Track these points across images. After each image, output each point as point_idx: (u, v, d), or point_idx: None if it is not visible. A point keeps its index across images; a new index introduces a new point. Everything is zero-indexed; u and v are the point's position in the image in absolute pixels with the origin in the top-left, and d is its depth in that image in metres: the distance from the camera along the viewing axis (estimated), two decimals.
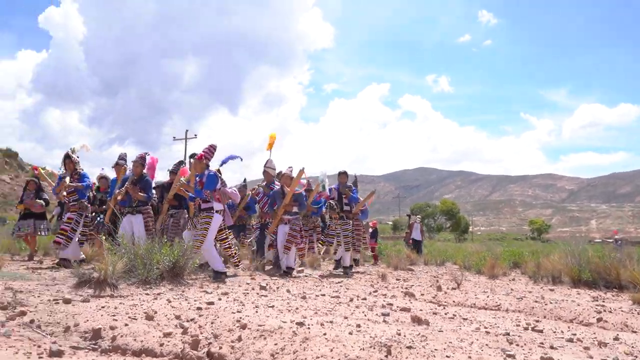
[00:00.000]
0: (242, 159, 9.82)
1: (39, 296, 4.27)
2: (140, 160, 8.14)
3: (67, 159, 8.33)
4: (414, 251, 16.52)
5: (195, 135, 39.18)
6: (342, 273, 8.87)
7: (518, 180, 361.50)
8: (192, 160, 7.40)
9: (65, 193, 8.24)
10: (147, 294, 4.66)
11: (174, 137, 39.44)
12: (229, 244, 7.58)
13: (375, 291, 6.20)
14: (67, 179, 8.17)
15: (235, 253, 7.82)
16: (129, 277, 5.18)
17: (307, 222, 10.76)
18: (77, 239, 8.21)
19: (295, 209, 8.21)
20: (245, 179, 11.28)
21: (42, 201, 9.72)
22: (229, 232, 7.82)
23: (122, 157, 9.21)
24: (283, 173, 8.63)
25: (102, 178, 10.16)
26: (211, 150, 7.34)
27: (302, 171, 8.16)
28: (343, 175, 9.48)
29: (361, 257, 10.21)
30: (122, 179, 8.33)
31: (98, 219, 9.65)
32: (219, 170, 9.66)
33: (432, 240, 44.81)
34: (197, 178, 7.12)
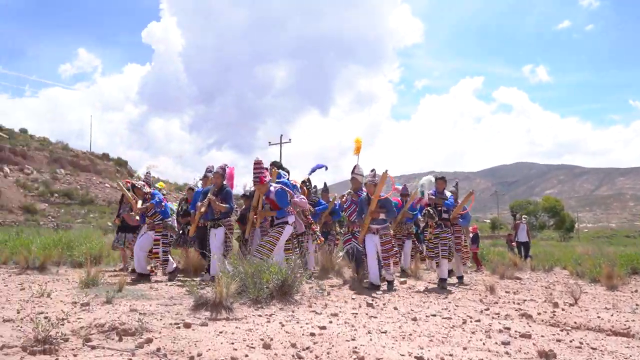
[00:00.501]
0: (327, 168, 9.77)
1: (160, 319, 4.47)
2: (221, 171, 8.02)
3: (135, 188, 8.35)
4: (517, 255, 15.77)
5: (290, 139, 40.02)
6: (446, 287, 8.25)
7: (629, 172, 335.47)
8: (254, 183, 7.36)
9: (148, 215, 8.19)
10: (260, 316, 4.75)
11: (270, 142, 40.55)
12: (291, 256, 7.22)
13: (487, 309, 5.93)
14: (139, 203, 8.17)
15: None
16: (241, 297, 5.30)
17: (401, 229, 10.45)
18: (145, 255, 8.18)
19: (382, 216, 7.68)
20: (325, 184, 11.20)
21: (137, 216, 9.56)
22: (296, 243, 7.81)
23: (210, 170, 9.26)
24: (366, 181, 8.28)
25: (189, 189, 10.19)
26: (261, 166, 7.32)
27: (385, 174, 7.68)
28: (440, 181, 8.96)
29: (462, 267, 9.52)
30: (202, 192, 8.35)
31: (183, 231, 9.63)
32: (308, 180, 9.68)
33: (534, 240, 42.77)
34: (264, 197, 7.09)
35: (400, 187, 10.55)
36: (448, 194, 8.84)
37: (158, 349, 3.53)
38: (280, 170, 8.59)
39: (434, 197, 8.78)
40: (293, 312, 5.06)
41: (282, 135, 39.77)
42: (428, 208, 8.71)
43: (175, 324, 4.28)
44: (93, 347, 3.54)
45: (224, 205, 7.75)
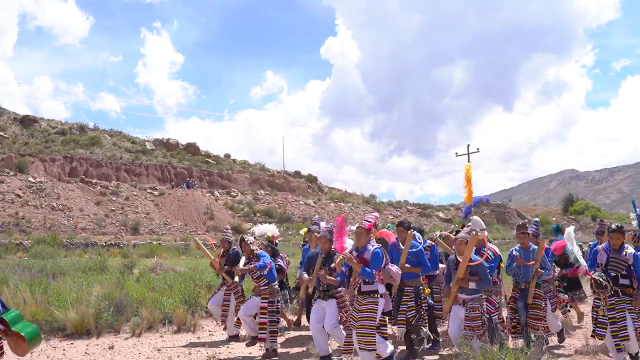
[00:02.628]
0: (489, 200, 8.48)
1: None
2: (328, 235, 6.72)
3: (242, 242, 7.71)
4: None
5: (478, 149, 38.71)
6: None
7: None
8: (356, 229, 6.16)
9: (252, 277, 7.51)
10: None
11: (456, 153, 39.67)
12: (386, 334, 6.15)
13: None
14: (242, 261, 7.62)
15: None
16: None
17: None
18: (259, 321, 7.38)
19: (472, 285, 6.26)
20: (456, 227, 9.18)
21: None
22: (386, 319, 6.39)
23: (316, 222, 8.52)
24: (456, 237, 6.97)
25: (308, 231, 9.09)
26: (377, 220, 6.36)
27: (477, 235, 6.33)
28: (618, 233, 6.19)
29: None
30: (309, 255, 7.24)
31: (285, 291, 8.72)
32: (446, 236, 8.20)
33: None
34: (355, 252, 6.00)
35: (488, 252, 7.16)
36: (630, 248, 6.26)
37: None
38: (415, 232, 7.48)
39: (610, 253, 6.25)
40: None
41: (469, 145, 38.69)
42: (594, 275, 6.12)
43: None
44: None
45: (333, 278, 6.49)
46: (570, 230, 8.14)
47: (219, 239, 8.50)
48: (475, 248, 6.54)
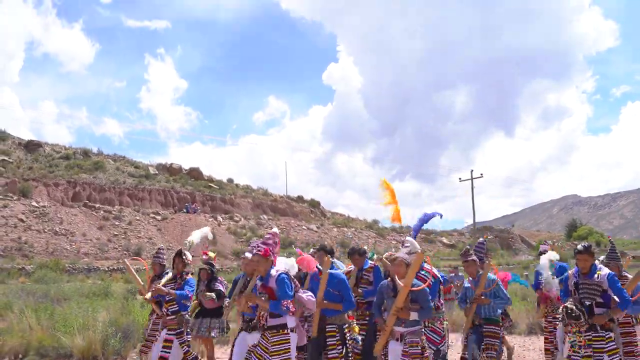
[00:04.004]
0: (441, 216, 7.44)
1: None
2: (262, 251, 5.38)
3: (178, 257, 6.67)
4: None
5: (481, 174, 38.81)
6: None
7: None
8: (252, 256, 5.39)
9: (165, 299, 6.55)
10: None
11: (460, 179, 39.72)
12: None
13: None
14: (163, 280, 6.58)
15: None
16: None
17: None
18: None
19: (414, 316, 5.15)
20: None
21: (213, 294, 7.39)
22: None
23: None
24: (394, 256, 5.75)
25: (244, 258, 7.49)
26: (276, 240, 5.47)
27: (421, 255, 5.37)
28: (585, 254, 5.30)
29: None
30: (234, 280, 6.52)
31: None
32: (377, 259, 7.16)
33: None
34: (258, 282, 5.26)
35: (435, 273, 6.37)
36: (603, 270, 5.36)
37: None
38: (333, 260, 6.46)
39: (580, 281, 5.36)
40: None
41: (472, 171, 38.74)
42: (567, 305, 5.29)
43: None
44: None
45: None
46: (546, 257, 7.33)
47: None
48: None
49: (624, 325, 6.05)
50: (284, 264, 5.63)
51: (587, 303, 5.21)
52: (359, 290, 6.55)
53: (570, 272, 5.57)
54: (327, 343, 5.77)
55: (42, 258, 30.45)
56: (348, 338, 5.93)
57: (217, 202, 51.38)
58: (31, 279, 22.72)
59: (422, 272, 5.92)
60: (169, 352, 6.27)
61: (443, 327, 6.27)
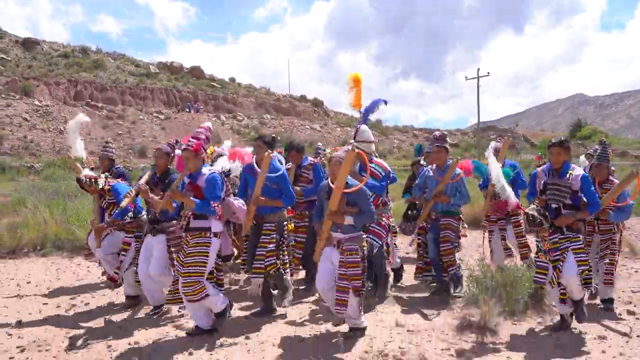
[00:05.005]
0: (386, 103, 7.03)
1: (429, 340, 4.74)
2: (164, 148, 5.49)
3: (83, 185, 5.97)
4: None
5: (488, 72, 37.98)
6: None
7: None
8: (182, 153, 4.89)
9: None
10: (525, 337, 4.76)
11: (466, 77, 38.96)
12: (221, 283, 5.12)
13: None
14: (102, 178, 5.94)
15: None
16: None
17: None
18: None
19: (349, 220, 4.62)
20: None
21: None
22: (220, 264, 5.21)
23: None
24: (331, 155, 5.26)
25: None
26: (208, 135, 4.95)
27: (353, 152, 4.60)
28: (558, 148, 4.77)
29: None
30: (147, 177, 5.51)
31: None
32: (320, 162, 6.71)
33: None
34: (186, 179, 4.85)
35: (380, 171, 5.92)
36: (577, 170, 4.81)
37: None
38: (276, 153, 5.76)
39: (550, 182, 4.80)
40: (552, 320, 4.93)
41: (479, 69, 37.94)
42: (528, 210, 4.80)
43: (446, 349, 4.50)
44: None
45: (165, 203, 4.91)
46: (491, 150, 6.50)
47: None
48: (358, 166, 5.29)
49: (604, 233, 5.59)
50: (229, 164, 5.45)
51: (554, 206, 4.75)
52: (297, 188, 6.04)
53: (539, 169, 5.05)
54: (260, 241, 5.30)
55: (49, 157, 30.81)
56: (285, 236, 5.57)
57: (220, 102, 51.00)
58: (40, 176, 23.09)
59: (372, 165, 5.73)
60: (125, 256, 5.81)
61: (389, 223, 6.05)
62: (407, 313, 5.51)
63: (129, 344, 4.72)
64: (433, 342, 4.68)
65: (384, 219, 5.89)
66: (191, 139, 4.80)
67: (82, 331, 5.13)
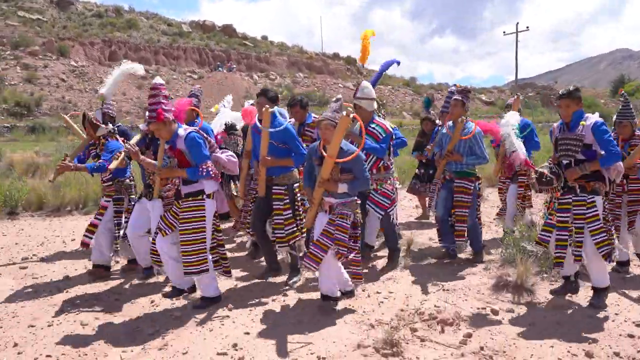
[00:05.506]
0: (399, 63, 6.75)
1: (465, 299, 4.75)
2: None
3: (85, 120, 5.57)
4: None
5: (527, 27, 36.64)
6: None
7: None
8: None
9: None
10: (560, 298, 4.73)
11: (504, 32, 37.72)
12: (222, 243, 4.83)
13: None
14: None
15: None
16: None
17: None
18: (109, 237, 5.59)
19: (343, 188, 4.30)
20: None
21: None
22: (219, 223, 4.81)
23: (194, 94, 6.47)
24: (318, 119, 4.83)
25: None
26: (165, 94, 4.54)
27: (347, 117, 4.20)
28: (567, 99, 4.34)
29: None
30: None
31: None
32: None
33: None
34: (166, 146, 4.49)
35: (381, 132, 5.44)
36: (590, 119, 4.33)
37: (481, 348, 3.78)
38: (276, 108, 5.08)
39: (560, 136, 4.42)
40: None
41: (518, 24, 36.61)
42: (537, 169, 4.52)
43: (483, 309, 4.51)
44: (422, 340, 3.94)
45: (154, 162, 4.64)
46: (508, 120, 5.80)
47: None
48: (359, 127, 4.92)
49: (634, 193, 5.17)
50: (230, 117, 5.23)
51: (565, 162, 4.36)
52: None
53: (555, 125, 4.63)
54: (273, 207, 5.03)
55: None
56: (299, 198, 5.19)
57: (252, 60, 50.81)
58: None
59: (373, 126, 5.41)
60: (100, 220, 5.55)
61: (393, 189, 5.63)
62: (441, 274, 5.55)
63: (172, 302, 4.89)
64: (469, 301, 4.70)
65: (386, 185, 5.53)
66: (150, 111, 4.37)
67: (127, 286, 5.34)
